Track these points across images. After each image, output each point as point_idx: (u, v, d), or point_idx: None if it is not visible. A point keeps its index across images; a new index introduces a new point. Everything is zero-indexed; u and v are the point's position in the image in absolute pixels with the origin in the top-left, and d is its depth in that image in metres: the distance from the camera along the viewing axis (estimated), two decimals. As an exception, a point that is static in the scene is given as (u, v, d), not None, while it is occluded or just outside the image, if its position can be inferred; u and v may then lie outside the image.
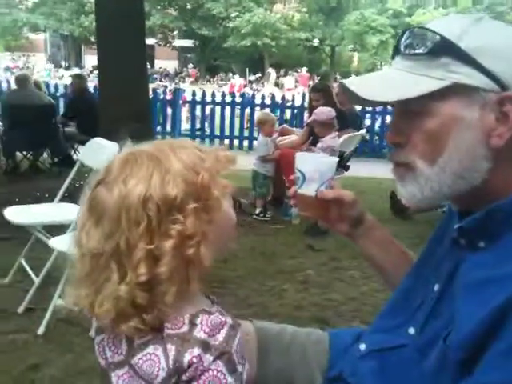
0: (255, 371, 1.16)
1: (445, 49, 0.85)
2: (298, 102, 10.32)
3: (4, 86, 10.27)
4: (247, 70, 31.53)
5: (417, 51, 0.87)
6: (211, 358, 0.80)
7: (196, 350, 0.80)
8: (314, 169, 1.18)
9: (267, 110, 9.50)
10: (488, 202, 0.86)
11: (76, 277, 0.84)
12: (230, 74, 32.46)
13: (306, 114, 5.66)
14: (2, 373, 2.29)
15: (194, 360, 0.79)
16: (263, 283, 3.52)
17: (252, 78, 31.32)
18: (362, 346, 1.08)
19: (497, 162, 0.85)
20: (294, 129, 6.86)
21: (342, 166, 5.28)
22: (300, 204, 1.22)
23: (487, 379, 0.74)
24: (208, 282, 2.82)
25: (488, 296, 0.77)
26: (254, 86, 26.56)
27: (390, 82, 0.90)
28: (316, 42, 35.14)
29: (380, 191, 5.71)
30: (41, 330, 2.64)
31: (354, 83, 0.93)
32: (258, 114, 5.96)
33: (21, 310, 2.85)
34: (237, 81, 24.51)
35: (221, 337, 0.83)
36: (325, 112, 4.76)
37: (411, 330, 0.99)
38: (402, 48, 0.91)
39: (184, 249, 0.79)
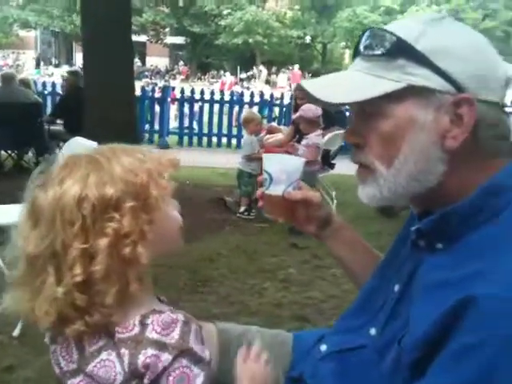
0: (215, 372, 1.16)
1: (401, 50, 0.84)
2: (287, 100, 10.31)
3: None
4: (238, 67, 31.49)
5: (375, 52, 0.87)
6: (170, 357, 0.80)
7: (150, 351, 0.80)
8: (280, 169, 1.17)
9: (255, 108, 9.54)
10: (444, 204, 0.86)
11: (15, 280, 0.85)
12: (222, 72, 32.41)
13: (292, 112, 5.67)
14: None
15: (148, 361, 0.79)
16: (245, 281, 3.52)
17: (243, 75, 31.29)
18: (323, 347, 1.08)
19: (452, 165, 0.85)
20: (282, 127, 6.87)
21: (328, 163, 5.30)
22: (267, 205, 1.20)
23: (438, 382, 0.74)
24: (191, 281, 2.83)
25: (443, 298, 0.77)
26: (245, 83, 26.54)
27: (347, 83, 0.90)
28: (308, 39, 35.13)
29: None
30: (16, 332, 2.61)
31: (311, 84, 0.93)
32: (243, 112, 5.98)
33: (-4, 311, 2.82)
34: (228, 78, 24.51)
35: (176, 335, 0.83)
36: (312, 109, 4.78)
37: (372, 331, 0.99)
38: (361, 48, 0.90)
39: (120, 247, 0.80)
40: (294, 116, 5.15)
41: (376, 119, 0.87)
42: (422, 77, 0.83)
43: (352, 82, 0.89)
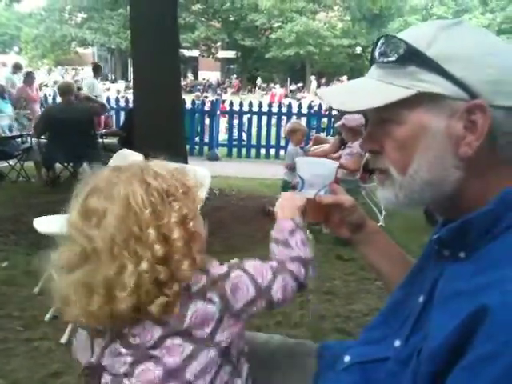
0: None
1: (412, 56, 0.84)
2: (335, 111, 10.25)
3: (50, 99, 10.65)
4: (288, 79, 31.58)
5: (388, 59, 0.87)
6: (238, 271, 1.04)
7: (229, 280, 1.02)
8: (312, 173, 1.19)
9: (304, 119, 9.55)
10: (464, 212, 0.84)
11: (82, 282, 0.94)
12: (272, 84, 32.60)
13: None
14: (26, 378, 2.37)
15: (234, 281, 1.02)
16: (288, 293, 3.49)
17: (293, 87, 31.36)
18: (347, 358, 1.07)
19: (469, 172, 0.83)
20: (329, 137, 6.84)
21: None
22: None
23: None
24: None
25: (458, 308, 0.76)
26: (298, 95, 26.58)
27: (361, 90, 0.90)
28: (359, 49, 34.90)
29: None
30: (64, 339, 2.70)
31: (327, 92, 0.95)
32: (289, 123, 5.97)
33: (47, 318, 2.94)
34: (277, 90, 24.61)
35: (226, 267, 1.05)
36: (355, 118, 4.73)
37: (397, 343, 0.97)
38: (376, 56, 0.90)
39: (186, 222, 0.96)
40: (336, 124, 5.08)
41: (390, 126, 0.87)
42: (433, 83, 0.82)
43: (365, 90, 0.90)
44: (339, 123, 4.89)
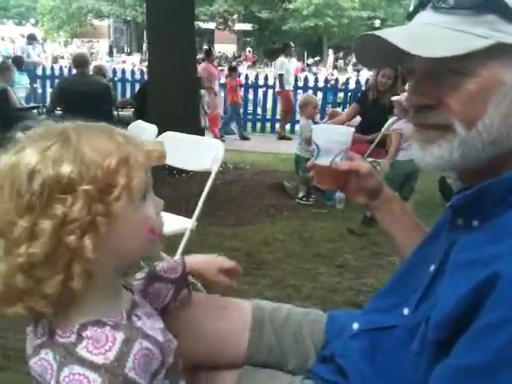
0: (245, 349, 1.19)
1: (491, 5, 0.78)
2: (352, 85, 10.13)
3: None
4: (305, 53, 31.18)
5: (456, 4, 0.80)
6: (99, 380, 0.71)
7: (76, 368, 0.73)
8: (327, 140, 1.19)
9: (319, 94, 9.46)
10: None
11: None
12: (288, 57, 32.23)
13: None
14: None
15: (71, 378, 0.72)
16: (299, 266, 3.52)
17: (310, 61, 30.96)
18: (355, 326, 1.08)
19: None
20: (345, 112, 6.77)
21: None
22: (316, 175, 1.24)
23: (459, 363, 0.73)
24: (246, 263, 2.88)
25: (470, 276, 0.75)
26: (314, 69, 26.24)
27: (430, 36, 0.82)
28: (377, 23, 34.23)
29: (431, 175, 5.54)
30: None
31: (385, 33, 0.83)
32: (300, 96, 5.91)
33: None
34: (294, 64, 24.30)
35: (111, 355, 0.74)
36: None
37: (405, 311, 0.98)
38: (435, 0, 0.83)
39: (64, 234, 0.71)
40: (393, 98, 4.58)
41: (456, 78, 0.81)
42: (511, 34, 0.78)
43: (437, 36, 0.81)
44: (396, 98, 4.47)
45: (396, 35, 0.82)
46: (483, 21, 0.79)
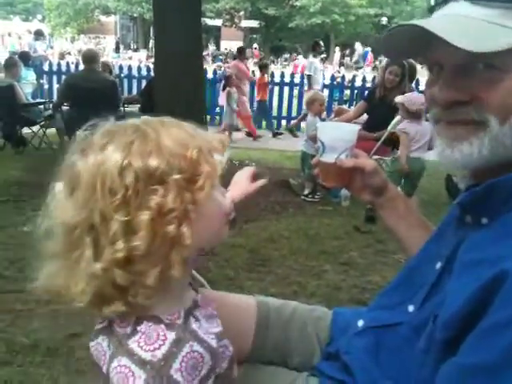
0: (250, 345, 1.18)
1: None
2: (358, 83, 10.09)
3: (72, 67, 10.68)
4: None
5: None
6: (143, 376, 0.72)
7: (124, 360, 0.74)
8: (333, 137, 1.19)
9: (326, 91, 9.43)
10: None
11: (48, 254, 0.79)
12: (295, 55, 32.14)
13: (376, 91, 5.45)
14: (46, 338, 2.44)
15: (118, 370, 0.73)
16: (304, 263, 3.52)
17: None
18: (360, 323, 1.08)
19: None
20: (351, 109, 6.75)
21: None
22: (321, 172, 1.23)
23: (466, 361, 0.72)
24: (251, 260, 2.88)
25: (478, 274, 0.75)
26: (321, 66, 26.17)
27: (469, 31, 0.79)
28: (384, 20, 34.10)
29: (437, 174, 5.53)
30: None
31: (424, 23, 0.80)
32: (307, 93, 5.87)
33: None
34: (300, 61, 24.23)
35: (159, 354, 0.74)
36: (416, 103, 4.24)
37: (411, 308, 0.98)
38: None
39: (164, 224, 0.73)
40: (396, 99, 4.49)
41: (494, 73, 0.79)
42: None
43: (473, 30, 0.78)
44: (399, 100, 4.42)
45: (439, 26, 0.79)
46: None
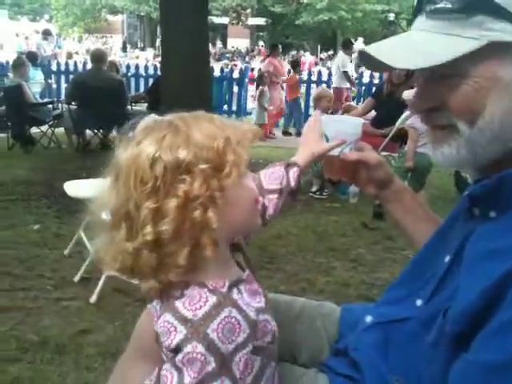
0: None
1: (478, 4, 0.78)
2: (366, 79, 10.07)
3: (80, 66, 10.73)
4: (318, 47, 31.05)
5: (446, 9, 0.81)
6: (184, 331, 0.80)
7: (168, 316, 0.82)
8: (337, 131, 1.19)
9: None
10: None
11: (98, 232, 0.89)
12: (302, 52, 32.09)
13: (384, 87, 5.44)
14: (56, 335, 2.45)
15: (163, 324, 0.82)
16: (313, 260, 3.52)
17: (323, 55, 30.81)
18: (368, 319, 1.07)
19: None
20: (359, 106, 6.74)
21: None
22: (325, 166, 1.24)
23: (479, 358, 0.71)
24: (259, 257, 2.88)
25: (491, 269, 0.74)
26: (328, 63, 26.10)
27: (418, 45, 0.83)
28: (392, 16, 33.94)
29: (447, 169, 5.49)
30: (93, 299, 2.78)
31: (375, 49, 0.87)
32: (314, 90, 5.86)
33: (77, 279, 3.02)
34: (307, 58, 24.22)
35: (200, 313, 0.81)
36: None
37: (418, 302, 0.97)
38: (430, 6, 0.83)
39: (190, 210, 0.80)
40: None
41: (454, 80, 0.82)
42: (502, 31, 0.77)
43: (424, 44, 0.83)
44: (407, 95, 4.34)
45: (383, 49, 0.87)
46: (473, 22, 0.79)
